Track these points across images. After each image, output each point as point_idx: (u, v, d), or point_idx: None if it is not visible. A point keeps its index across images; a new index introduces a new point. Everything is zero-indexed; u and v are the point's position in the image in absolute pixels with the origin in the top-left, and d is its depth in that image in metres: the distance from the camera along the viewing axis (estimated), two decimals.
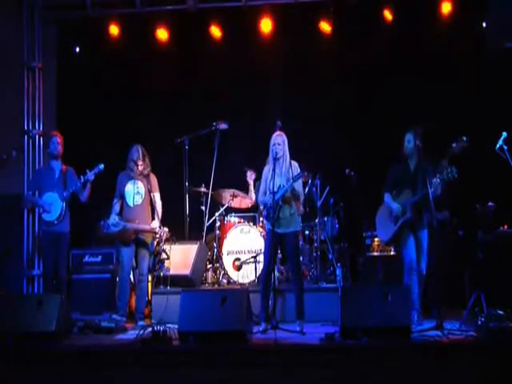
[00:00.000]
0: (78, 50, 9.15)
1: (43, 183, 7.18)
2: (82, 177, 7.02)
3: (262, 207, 6.63)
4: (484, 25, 8.04)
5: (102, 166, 7.02)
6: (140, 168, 7.03)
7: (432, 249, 6.55)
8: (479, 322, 5.75)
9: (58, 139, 7.20)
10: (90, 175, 6.98)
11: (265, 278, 6.39)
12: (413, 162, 6.48)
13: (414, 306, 6.15)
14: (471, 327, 5.84)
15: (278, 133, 6.46)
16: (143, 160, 7.04)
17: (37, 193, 7.25)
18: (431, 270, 6.52)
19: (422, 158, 6.43)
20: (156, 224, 6.98)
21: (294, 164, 6.40)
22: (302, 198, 6.43)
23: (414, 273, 6.26)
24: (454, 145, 6.27)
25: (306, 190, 7.51)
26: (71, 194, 7.09)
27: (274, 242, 6.34)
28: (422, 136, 6.48)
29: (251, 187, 8.25)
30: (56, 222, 7.05)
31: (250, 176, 8.25)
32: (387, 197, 6.54)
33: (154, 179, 7.18)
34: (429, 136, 6.47)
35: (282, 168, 6.34)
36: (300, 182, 6.37)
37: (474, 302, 6.08)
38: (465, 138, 6.22)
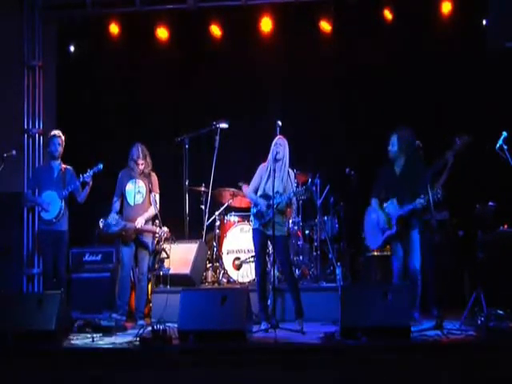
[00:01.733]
0: (74, 49, 9.12)
1: (42, 181, 7.16)
2: (81, 176, 7.00)
3: (252, 203, 6.57)
4: (484, 24, 8.03)
5: (101, 166, 6.99)
6: (141, 167, 7.00)
7: (432, 249, 6.54)
8: (479, 322, 5.75)
9: (59, 140, 7.16)
10: (87, 177, 6.95)
11: (260, 279, 6.39)
12: (398, 166, 6.43)
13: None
14: (471, 327, 5.82)
15: (280, 136, 6.45)
16: (144, 159, 7.01)
17: (36, 191, 7.22)
18: (431, 270, 6.51)
19: (409, 162, 6.37)
20: (140, 221, 6.92)
21: (291, 174, 6.42)
22: (294, 206, 6.56)
23: (403, 279, 6.26)
24: (457, 141, 6.26)
25: (303, 198, 7.49)
26: (70, 193, 7.07)
27: (263, 242, 6.39)
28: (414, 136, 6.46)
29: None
30: (54, 220, 7.02)
31: (245, 188, 8.16)
32: (374, 203, 6.51)
33: (155, 179, 7.14)
34: (427, 136, 6.45)
35: (280, 172, 6.34)
36: (294, 187, 6.36)
37: (473, 302, 6.06)
38: (467, 136, 6.22)
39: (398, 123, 6.60)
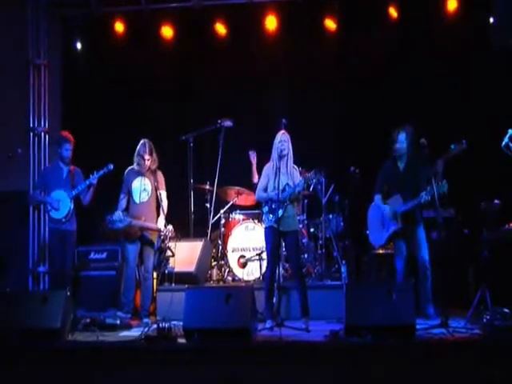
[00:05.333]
0: (80, 46, 9.08)
1: (50, 182, 7.15)
2: (91, 176, 6.99)
3: (263, 202, 6.54)
4: (491, 21, 7.99)
5: (111, 166, 7.00)
6: (147, 163, 7.00)
7: (437, 246, 6.54)
8: (484, 320, 5.74)
9: (71, 145, 7.15)
10: (93, 179, 6.95)
11: (269, 278, 6.37)
12: (402, 162, 6.43)
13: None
14: (476, 325, 5.80)
15: (282, 131, 6.46)
16: (150, 155, 7.01)
17: (44, 191, 7.21)
18: (436, 268, 6.51)
19: (413, 159, 6.36)
20: (161, 223, 6.96)
21: (295, 167, 6.44)
22: (300, 196, 6.62)
23: (407, 278, 6.26)
24: (452, 147, 6.23)
25: (311, 187, 7.52)
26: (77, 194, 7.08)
27: (276, 239, 6.30)
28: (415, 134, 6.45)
29: (254, 167, 8.07)
30: (64, 220, 7.04)
31: (252, 156, 8.09)
32: (378, 198, 6.51)
33: (161, 177, 7.16)
34: (432, 134, 6.43)
35: (286, 167, 6.35)
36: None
37: (479, 300, 6.05)
38: (464, 142, 6.19)
39: (404, 121, 6.60)
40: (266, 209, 6.43)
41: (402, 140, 6.40)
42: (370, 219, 6.73)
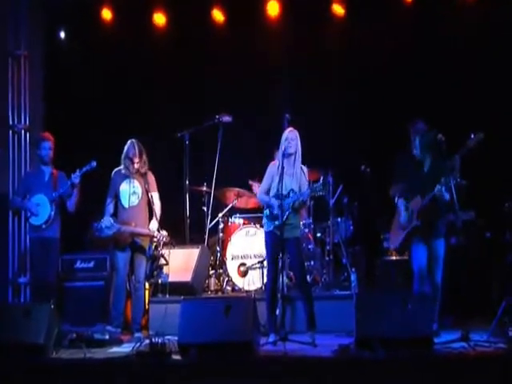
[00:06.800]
0: (64, 35, 9.09)
1: (32, 186, 7.15)
2: (72, 175, 6.98)
3: (264, 205, 6.52)
4: None
5: (94, 164, 6.98)
6: (136, 166, 6.98)
7: (456, 252, 6.53)
8: (510, 333, 5.71)
9: (50, 144, 7.16)
10: (75, 177, 6.93)
11: (270, 287, 6.35)
12: (427, 163, 6.40)
13: None
14: (500, 338, 5.77)
15: (290, 129, 6.43)
16: (140, 157, 6.99)
17: (25, 197, 7.21)
18: (456, 276, 6.50)
19: (437, 157, 6.37)
20: (154, 227, 6.95)
21: (304, 169, 6.40)
22: (306, 205, 6.60)
23: (426, 281, 6.23)
24: (472, 136, 6.24)
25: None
26: (60, 197, 7.06)
27: (277, 246, 6.28)
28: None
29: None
30: (44, 226, 7.02)
31: (254, 186, 8.11)
32: (401, 203, 6.46)
33: (151, 178, 7.14)
34: (446, 129, 6.42)
35: (292, 168, 6.31)
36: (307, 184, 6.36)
37: (503, 311, 6.04)
38: (482, 134, 6.20)
39: (417, 114, 6.58)
40: (266, 212, 6.42)
41: (415, 145, 6.40)
42: (393, 225, 6.69)
